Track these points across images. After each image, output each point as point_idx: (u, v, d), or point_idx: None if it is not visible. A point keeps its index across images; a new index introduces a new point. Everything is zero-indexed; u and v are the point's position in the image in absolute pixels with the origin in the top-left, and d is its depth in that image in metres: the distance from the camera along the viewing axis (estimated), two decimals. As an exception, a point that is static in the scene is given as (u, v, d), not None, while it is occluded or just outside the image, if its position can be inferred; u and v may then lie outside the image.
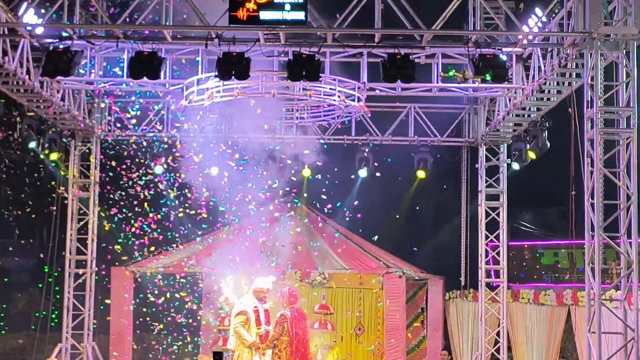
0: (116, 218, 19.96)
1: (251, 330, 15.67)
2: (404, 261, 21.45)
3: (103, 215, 19.47)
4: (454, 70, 12.96)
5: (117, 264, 20.43)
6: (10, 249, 25.00)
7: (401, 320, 19.71)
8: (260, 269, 18.07)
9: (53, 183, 18.89)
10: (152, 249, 20.43)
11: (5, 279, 23.54)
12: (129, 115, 18.23)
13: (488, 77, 12.90)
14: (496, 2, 12.98)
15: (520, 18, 13.35)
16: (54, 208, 18.49)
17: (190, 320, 20.23)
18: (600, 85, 12.63)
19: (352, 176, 20.07)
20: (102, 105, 18.26)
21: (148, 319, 20.34)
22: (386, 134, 18.41)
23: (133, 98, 17.65)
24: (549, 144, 15.88)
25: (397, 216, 21.83)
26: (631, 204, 12.60)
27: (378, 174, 19.79)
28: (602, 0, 12.45)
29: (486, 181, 18.64)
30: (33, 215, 21.47)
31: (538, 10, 13.31)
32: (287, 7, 12.45)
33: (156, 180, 19.72)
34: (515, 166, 17.80)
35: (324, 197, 20.04)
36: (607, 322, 12.65)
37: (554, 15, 13.23)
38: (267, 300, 16.18)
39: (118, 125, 18.58)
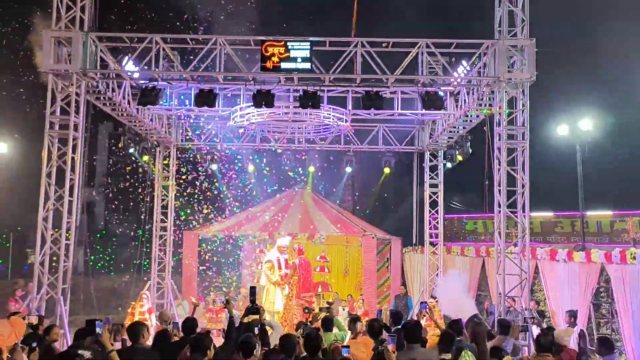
0: (187, 199, 20.06)
1: (275, 272, 15.83)
2: (375, 227, 21.47)
3: (178, 196, 19.50)
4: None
5: (186, 228, 20.50)
6: (118, 220, 25.03)
7: (373, 267, 19.75)
8: (282, 231, 18.17)
9: (144, 174, 18.87)
10: (210, 217, 20.56)
11: (114, 239, 23.60)
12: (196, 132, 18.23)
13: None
14: (436, 57, 12.91)
15: (452, 67, 13.30)
16: (146, 192, 18.49)
17: (235, 267, 20.34)
18: (505, 112, 12.62)
19: (342, 172, 20.07)
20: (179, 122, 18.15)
21: (207, 264, 20.39)
22: (364, 143, 18.34)
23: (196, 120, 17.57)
24: (471, 150, 15.84)
25: (371, 197, 21.74)
26: (524, 190, 12.62)
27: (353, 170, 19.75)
28: (506, 56, 12.42)
29: (429, 175, 18.57)
30: (132, 197, 21.41)
31: (464, 62, 13.25)
32: (299, 60, 12.47)
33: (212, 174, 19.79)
34: (449, 165, 17.72)
35: (323, 184, 20.04)
36: (509, 268, 12.66)
37: (474, 65, 13.19)
38: (285, 252, 16.26)
39: (188, 137, 18.57)
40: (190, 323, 8.09)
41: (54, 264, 12.54)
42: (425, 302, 9.14)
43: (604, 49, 21.68)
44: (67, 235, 12.43)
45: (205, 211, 20.50)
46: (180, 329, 8.34)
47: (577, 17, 22.36)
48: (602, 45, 21.68)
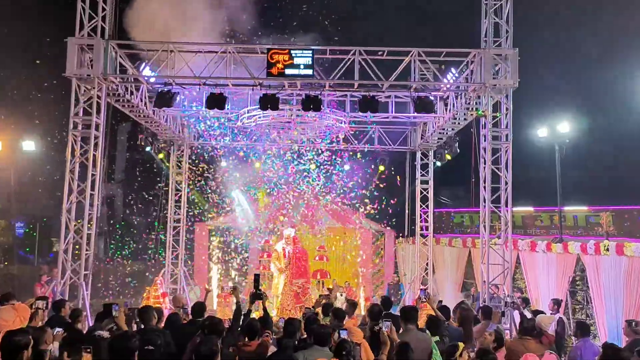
0: (199, 192, 20.06)
1: (281, 261, 16.05)
2: (371, 220, 21.44)
3: (191, 190, 19.48)
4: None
5: (198, 220, 20.50)
6: (135, 212, 25.08)
7: (369, 256, 19.75)
8: (287, 223, 18.20)
9: (160, 170, 18.86)
10: (217, 211, 20.55)
11: (132, 229, 23.60)
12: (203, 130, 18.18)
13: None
14: (427, 65, 12.89)
15: (442, 74, 13.28)
16: (161, 186, 18.49)
17: (244, 255, 20.34)
18: (490, 115, 12.60)
19: (341, 168, 20.03)
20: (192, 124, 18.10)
21: (217, 253, 20.39)
22: (361, 143, 18.30)
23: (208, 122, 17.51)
24: (459, 150, 15.81)
25: (368, 192, 21.68)
26: (507, 187, 12.60)
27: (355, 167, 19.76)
28: (491, 64, 12.40)
29: (420, 172, 18.55)
30: (148, 191, 21.41)
31: (453, 70, 13.23)
32: (302, 66, 12.43)
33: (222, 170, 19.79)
34: (438, 163, 17.71)
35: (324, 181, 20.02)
36: (492, 258, 12.65)
37: (462, 72, 13.15)
38: (290, 243, 16.37)
39: (199, 136, 18.54)
40: (199, 306, 8.10)
41: (76, 252, 12.58)
42: (424, 289, 9.19)
43: (584, 56, 21.70)
44: (89, 225, 12.44)
45: (215, 204, 20.49)
46: (190, 312, 8.36)
47: (557, 24, 22.35)
48: (581, 51, 21.69)
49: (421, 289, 9.21)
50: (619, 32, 20.25)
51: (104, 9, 12.46)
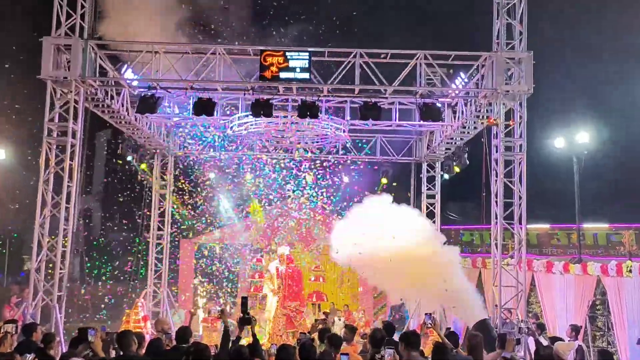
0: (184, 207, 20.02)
1: (274, 282, 16.08)
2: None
3: (175, 204, 19.43)
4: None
5: (183, 237, 20.46)
6: (114, 227, 24.96)
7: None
8: (281, 241, 18.20)
9: (142, 182, 18.83)
10: (208, 226, 20.50)
11: (110, 246, 23.51)
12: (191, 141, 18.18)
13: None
14: (434, 68, 12.94)
15: (450, 79, 13.33)
16: (143, 199, 18.43)
17: (231, 275, 20.28)
18: (502, 124, 12.63)
19: (340, 180, 20.02)
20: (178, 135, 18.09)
21: (204, 273, 20.33)
22: (362, 153, 18.31)
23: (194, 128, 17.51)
24: (468, 162, 15.81)
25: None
26: (521, 202, 12.60)
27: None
28: (504, 68, 12.45)
29: (427, 186, 18.55)
30: (129, 205, 21.35)
31: (462, 74, 13.27)
32: (298, 70, 12.47)
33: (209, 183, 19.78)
34: (446, 176, 17.70)
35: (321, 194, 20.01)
36: (505, 279, 12.61)
37: (472, 77, 13.21)
38: (284, 262, 16.35)
39: (186, 145, 18.51)
40: (183, 331, 8.05)
41: (49, 271, 12.49)
42: (430, 314, 9.13)
43: (604, 61, 21.82)
44: (64, 241, 12.38)
45: (202, 220, 20.44)
46: (174, 337, 8.30)
47: (575, 28, 22.50)
48: (602, 57, 21.82)
49: (427, 314, 9.16)
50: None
51: (82, 6, 12.49)
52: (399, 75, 12.71)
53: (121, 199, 22.29)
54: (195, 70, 12.82)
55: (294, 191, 20.08)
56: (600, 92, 21.93)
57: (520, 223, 12.62)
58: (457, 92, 13.50)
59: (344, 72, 12.68)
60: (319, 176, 19.39)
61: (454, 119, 14.74)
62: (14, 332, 7.92)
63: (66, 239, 12.42)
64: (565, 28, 23.03)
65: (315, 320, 15.21)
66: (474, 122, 14.26)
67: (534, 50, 12.44)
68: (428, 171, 18.50)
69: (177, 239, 20.08)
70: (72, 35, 12.33)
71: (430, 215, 18.54)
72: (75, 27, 12.37)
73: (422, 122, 14.22)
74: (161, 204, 18.29)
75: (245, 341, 8.52)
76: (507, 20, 12.55)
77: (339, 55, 12.92)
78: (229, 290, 20.21)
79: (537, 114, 15.73)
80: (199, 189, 20.08)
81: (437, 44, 13.03)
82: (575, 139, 15.91)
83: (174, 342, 8.19)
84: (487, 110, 13.37)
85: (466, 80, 13.20)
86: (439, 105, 13.54)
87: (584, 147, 15.86)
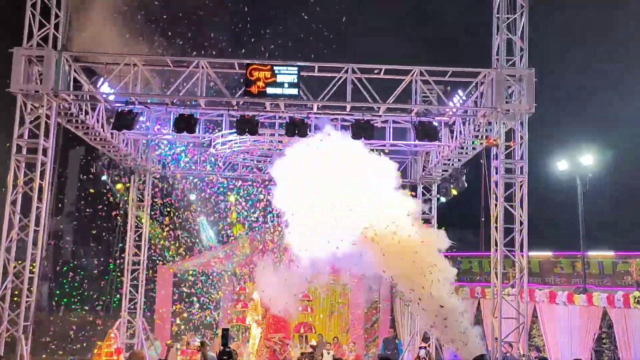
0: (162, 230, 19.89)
1: (258, 311, 16.00)
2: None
3: (152, 229, 19.30)
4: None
5: (160, 262, 20.29)
6: (87, 251, 24.75)
7: (361, 306, 19.60)
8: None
9: (117, 204, 18.71)
10: (183, 252, 20.37)
11: (82, 273, 23.27)
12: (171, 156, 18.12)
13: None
14: (431, 85, 13.03)
15: (447, 96, 13.41)
16: (118, 223, 18.29)
17: (211, 305, 20.11)
18: (502, 144, 12.70)
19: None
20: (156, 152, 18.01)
21: (183, 301, 20.15)
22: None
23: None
24: (466, 184, 15.85)
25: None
26: (523, 227, 12.63)
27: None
28: (504, 86, 12.55)
29: (422, 209, 18.52)
30: (103, 227, 21.20)
31: (460, 92, 13.38)
32: (286, 85, 12.54)
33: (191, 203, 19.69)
34: (443, 199, 17.73)
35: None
36: (505, 310, 12.59)
37: (471, 95, 13.30)
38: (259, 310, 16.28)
39: (165, 164, 18.44)
40: (160, 366, 7.95)
41: (15, 299, 12.32)
42: (425, 347, 9.10)
43: (610, 79, 22.08)
44: (32, 267, 12.23)
45: (181, 244, 20.29)
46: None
47: (578, 47, 22.80)
48: (608, 74, 22.07)
49: (421, 347, 9.13)
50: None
51: (57, 16, 12.49)
52: (394, 91, 12.78)
53: (94, 221, 22.12)
54: (177, 85, 12.81)
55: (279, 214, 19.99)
56: (605, 111, 22.16)
57: (521, 250, 12.64)
58: (454, 110, 13.58)
59: (335, 88, 12.75)
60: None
61: (452, 138, 14.80)
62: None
63: (34, 264, 12.28)
64: (569, 43, 23.32)
65: (302, 353, 15.07)
66: (472, 142, 14.31)
67: (535, 67, 12.56)
68: (424, 194, 18.51)
69: (154, 264, 19.90)
70: (45, 46, 12.32)
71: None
72: (48, 37, 12.37)
73: (417, 142, 14.27)
74: (138, 227, 18.15)
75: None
76: (508, 35, 12.68)
77: (330, 70, 12.98)
78: (209, 320, 19.99)
79: (539, 134, 15.87)
80: (178, 211, 19.97)
81: (434, 59, 13.13)
82: (579, 161, 16.02)
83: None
84: (486, 130, 13.46)
85: (464, 98, 13.30)
86: (435, 124, 13.62)
87: (588, 170, 15.97)
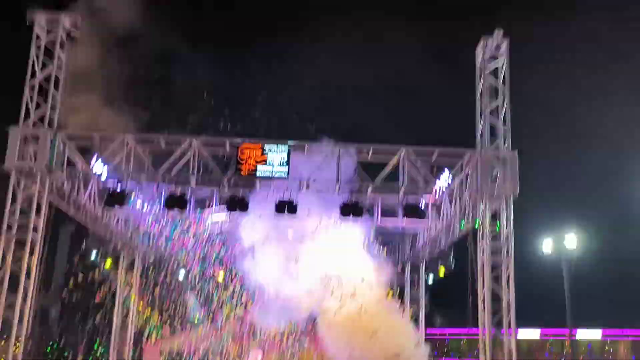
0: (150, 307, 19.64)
1: None
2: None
3: (140, 308, 19.07)
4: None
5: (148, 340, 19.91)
6: (71, 330, 24.36)
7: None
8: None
9: (105, 281, 18.53)
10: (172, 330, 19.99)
11: (65, 353, 22.82)
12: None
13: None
14: (417, 167, 13.21)
15: (434, 176, 13.53)
16: (106, 299, 18.08)
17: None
18: (488, 227, 12.76)
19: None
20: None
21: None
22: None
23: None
24: (453, 265, 15.89)
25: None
26: (510, 307, 12.54)
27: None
28: (488, 166, 12.68)
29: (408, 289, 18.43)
30: (90, 305, 20.92)
31: (446, 173, 13.48)
32: (276, 164, 12.73)
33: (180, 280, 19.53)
34: (430, 281, 17.71)
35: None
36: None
37: (457, 175, 13.40)
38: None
39: (154, 241, 18.35)
40: None
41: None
42: None
43: (591, 161, 22.47)
44: (15, 347, 11.98)
45: (169, 322, 19.97)
46: None
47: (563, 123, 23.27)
48: (591, 150, 22.45)
49: None
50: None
51: (54, 97, 12.74)
52: (382, 173, 12.96)
53: (82, 297, 21.83)
54: (169, 164, 12.95)
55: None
56: (590, 188, 22.46)
57: (509, 328, 12.47)
58: (440, 194, 13.67)
59: (323, 167, 12.93)
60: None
61: (439, 219, 14.85)
62: None
63: (18, 344, 12.04)
64: (553, 122, 23.85)
65: None
66: (460, 224, 14.39)
67: (519, 146, 12.81)
68: (411, 274, 18.46)
69: (140, 343, 19.51)
70: (42, 125, 12.53)
71: (414, 319, 18.36)
72: (45, 117, 12.58)
73: (405, 220, 14.27)
74: (125, 306, 17.91)
75: None
76: (491, 121, 12.94)
77: (319, 151, 13.17)
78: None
79: (524, 214, 16.03)
80: (167, 288, 19.75)
81: (419, 137, 13.41)
82: (563, 242, 16.15)
83: None
84: (472, 210, 13.54)
85: (450, 181, 13.30)
86: (422, 204, 13.81)
87: (573, 252, 16.08)
